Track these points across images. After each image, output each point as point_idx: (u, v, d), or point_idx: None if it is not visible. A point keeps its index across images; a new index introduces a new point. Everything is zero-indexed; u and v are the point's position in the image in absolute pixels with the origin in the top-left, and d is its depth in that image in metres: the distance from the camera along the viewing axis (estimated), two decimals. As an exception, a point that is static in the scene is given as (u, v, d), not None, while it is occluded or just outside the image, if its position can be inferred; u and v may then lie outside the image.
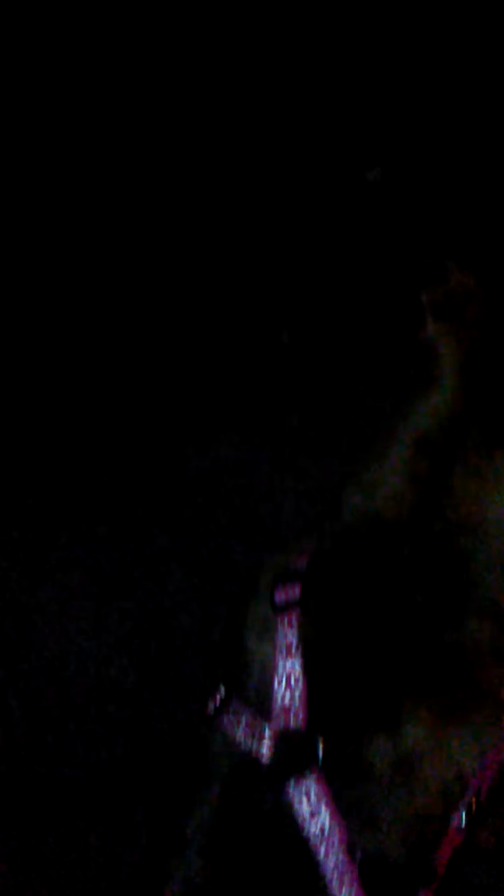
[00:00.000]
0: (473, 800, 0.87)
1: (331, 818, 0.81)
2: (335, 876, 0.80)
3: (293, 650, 0.87)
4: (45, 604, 1.39)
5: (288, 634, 0.88)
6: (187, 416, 1.53)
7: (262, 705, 0.88)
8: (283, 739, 0.85)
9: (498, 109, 1.44)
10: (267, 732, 0.85)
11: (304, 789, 0.82)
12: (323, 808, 0.81)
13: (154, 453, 1.51)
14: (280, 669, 0.87)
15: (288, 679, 0.87)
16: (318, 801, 0.82)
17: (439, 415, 0.87)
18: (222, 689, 0.93)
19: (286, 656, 0.87)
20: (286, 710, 0.85)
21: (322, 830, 0.81)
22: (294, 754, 0.84)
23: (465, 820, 0.87)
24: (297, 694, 0.86)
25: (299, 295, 1.50)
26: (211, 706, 0.92)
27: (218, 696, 0.92)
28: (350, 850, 0.81)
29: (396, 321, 0.92)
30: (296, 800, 0.82)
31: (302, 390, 1.42)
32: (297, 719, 0.85)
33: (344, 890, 0.80)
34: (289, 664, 0.87)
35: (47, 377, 1.59)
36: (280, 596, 0.92)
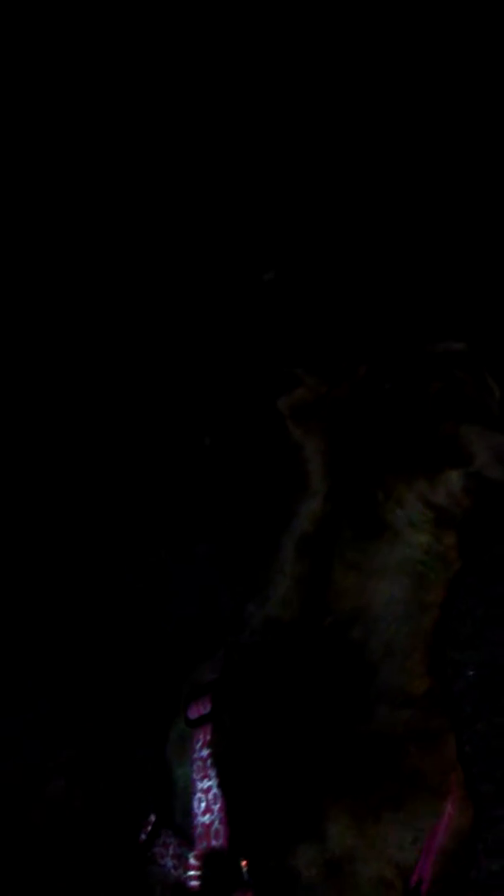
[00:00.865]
0: (421, 888, 0.86)
1: None
2: None
3: (208, 767, 0.88)
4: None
5: (203, 751, 0.89)
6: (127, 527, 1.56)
7: (186, 828, 0.88)
8: (208, 862, 0.85)
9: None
10: (191, 858, 0.85)
11: None
12: None
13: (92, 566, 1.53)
14: (198, 789, 0.88)
15: (206, 798, 0.87)
16: None
17: (313, 516, 0.90)
18: (151, 816, 0.93)
19: (203, 774, 0.88)
20: (207, 831, 0.86)
21: None
22: (219, 877, 0.83)
23: None
24: (216, 813, 0.86)
25: (216, 400, 1.54)
26: (142, 835, 0.92)
27: (148, 825, 0.93)
28: None
29: (264, 428, 0.96)
30: None
31: (222, 494, 1.46)
32: (218, 839, 0.85)
33: None
34: (206, 783, 0.88)
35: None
36: (193, 712, 0.93)
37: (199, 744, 0.89)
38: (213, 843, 0.85)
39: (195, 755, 0.89)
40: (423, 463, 0.88)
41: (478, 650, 1.44)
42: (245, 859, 0.84)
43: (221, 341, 1.57)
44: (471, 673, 1.41)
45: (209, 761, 0.88)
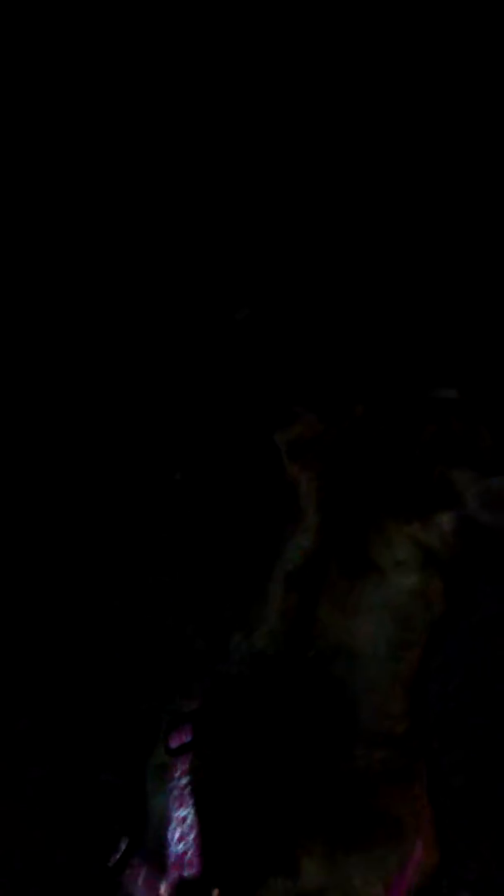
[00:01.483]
0: None
1: None
2: None
3: (186, 796, 0.88)
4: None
5: (182, 780, 0.90)
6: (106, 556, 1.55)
7: (159, 856, 0.88)
8: (179, 892, 0.85)
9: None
10: (163, 887, 0.85)
11: None
12: None
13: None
14: (174, 817, 0.88)
15: (182, 827, 0.87)
16: None
17: (304, 551, 0.91)
18: (123, 841, 0.93)
19: (180, 803, 0.88)
20: (180, 860, 0.86)
21: None
22: None
23: None
24: (190, 842, 0.86)
25: (189, 438, 1.55)
26: (113, 859, 0.92)
27: (120, 849, 0.92)
28: None
29: (260, 463, 0.97)
30: None
31: (195, 528, 1.46)
32: (191, 869, 0.85)
33: None
34: (182, 811, 0.88)
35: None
36: (174, 741, 0.93)
37: (179, 772, 0.90)
38: (186, 872, 0.85)
39: (174, 783, 0.89)
40: (414, 504, 0.89)
41: (444, 686, 1.45)
42: (217, 890, 0.84)
43: (211, 375, 1.58)
44: (437, 708, 1.43)
45: (187, 790, 0.88)
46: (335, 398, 0.97)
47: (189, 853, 0.86)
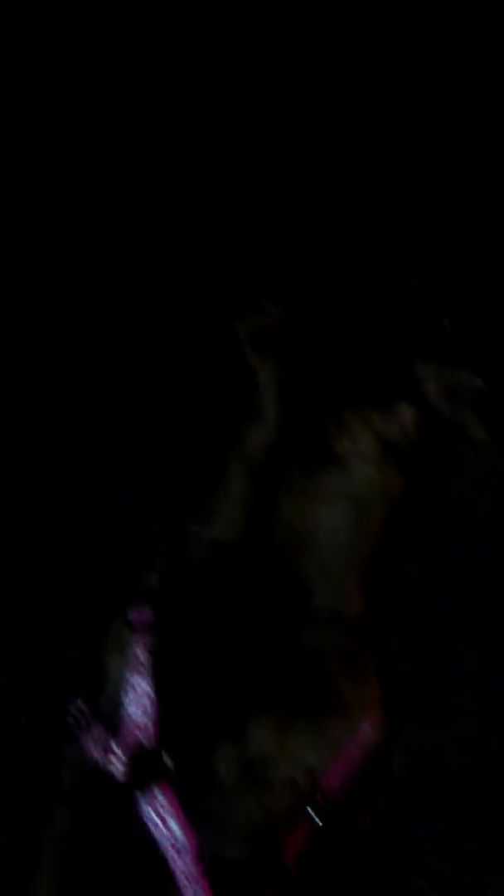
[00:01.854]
0: (320, 795, 0.93)
1: (181, 829, 0.86)
2: (186, 883, 0.85)
3: (145, 669, 0.92)
4: None
5: (140, 654, 0.93)
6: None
7: (115, 722, 0.92)
8: (134, 755, 0.89)
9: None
10: (118, 748, 0.89)
11: (153, 803, 0.87)
12: (172, 820, 0.86)
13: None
14: (132, 687, 0.91)
15: (138, 697, 0.91)
16: (168, 813, 0.86)
17: (264, 443, 0.92)
18: (81, 704, 0.96)
19: (138, 675, 0.92)
20: (137, 727, 0.90)
21: (172, 841, 0.86)
22: (143, 769, 0.88)
23: (316, 814, 0.92)
24: (147, 711, 0.90)
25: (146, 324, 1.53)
26: (69, 720, 0.96)
27: (76, 711, 0.96)
28: (199, 857, 0.85)
29: (219, 354, 0.97)
30: (146, 813, 0.87)
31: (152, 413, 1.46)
32: (146, 735, 0.89)
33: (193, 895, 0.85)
34: (140, 682, 0.91)
35: None
36: (134, 616, 0.96)
37: (138, 645, 0.93)
38: (140, 736, 0.89)
39: (132, 656, 0.92)
40: (376, 396, 0.90)
41: (398, 572, 1.49)
42: (169, 754, 0.88)
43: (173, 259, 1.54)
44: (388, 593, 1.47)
45: (146, 663, 0.91)
46: (297, 288, 0.96)
47: (144, 719, 0.90)
